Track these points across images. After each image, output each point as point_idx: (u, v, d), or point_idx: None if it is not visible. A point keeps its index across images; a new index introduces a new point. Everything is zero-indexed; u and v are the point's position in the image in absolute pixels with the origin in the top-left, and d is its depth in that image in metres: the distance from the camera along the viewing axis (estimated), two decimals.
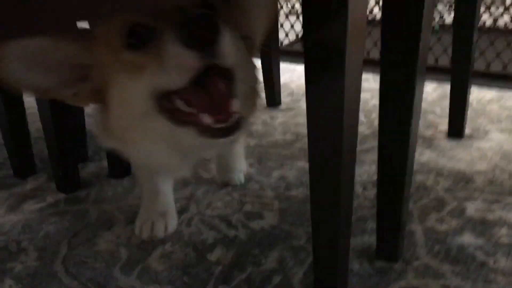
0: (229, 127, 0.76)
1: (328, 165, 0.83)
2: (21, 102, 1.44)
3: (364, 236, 1.13)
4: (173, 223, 1.19)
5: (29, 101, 1.48)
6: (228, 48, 0.71)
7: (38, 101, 1.32)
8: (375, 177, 1.39)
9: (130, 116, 0.83)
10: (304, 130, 1.81)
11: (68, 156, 1.38)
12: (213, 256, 1.08)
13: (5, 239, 1.16)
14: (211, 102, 0.78)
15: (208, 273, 1.02)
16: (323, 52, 0.74)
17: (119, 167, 1.46)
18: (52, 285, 0.99)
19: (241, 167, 1.42)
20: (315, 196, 0.88)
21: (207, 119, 0.77)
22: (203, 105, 0.78)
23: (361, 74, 0.82)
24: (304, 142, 1.70)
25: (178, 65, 0.72)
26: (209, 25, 0.69)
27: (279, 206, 1.29)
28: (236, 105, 0.78)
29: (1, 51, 0.76)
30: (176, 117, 0.81)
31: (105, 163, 1.53)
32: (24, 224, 1.22)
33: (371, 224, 1.17)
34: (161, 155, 0.90)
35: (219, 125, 0.76)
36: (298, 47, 3.02)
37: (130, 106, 0.81)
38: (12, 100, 1.41)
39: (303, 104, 2.11)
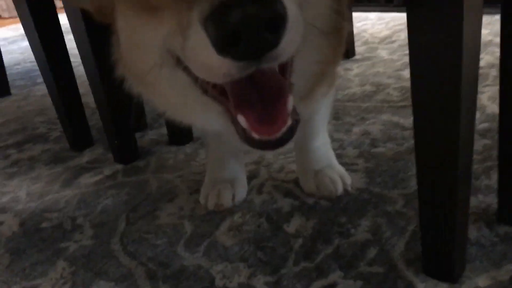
0: (278, 139, 0.55)
1: (443, 110, 0.61)
2: (71, 72, 1.32)
3: (478, 196, 0.90)
4: (242, 191, 1.02)
5: (81, 70, 1.36)
6: (292, 39, 0.47)
7: (87, 69, 1.19)
8: (486, 125, 1.15)
9: (140, 61, 0.63)
10: (385, 80, 1.58)
11: (124, 125, 1.25)
12: (290, 227, 0.90)
13: (59, 216, 1.04)
14: (257, 111, 0.55)
15: (286, 248, 0.85)
16: None
17: (180, 133, 1.31)
18: (109, 265, 0.86)
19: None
20: (424, 146, 0.67)
21: (249, 131, 0.56)
22: (245, 108, 0.56)
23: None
24: (386, 93, 1.47)
25: (207, 66, 0.48)
26: (268, 22, 0.43)
27: (364, 165, 1.08)
28: (290, 105, 0.56)
29: None
30: (206, 90, 0.60)
31: (164, 130, 1.39)
32: (79, 199, 1.10)
33: (485, 181, 0.94)
34: (189, 108, 0.69)
35: (265, 138, 0.55)
36: None
37: (141, 51, 0.62)
38: (61, 70, 1.30)
39: (380, 53, 1.86)
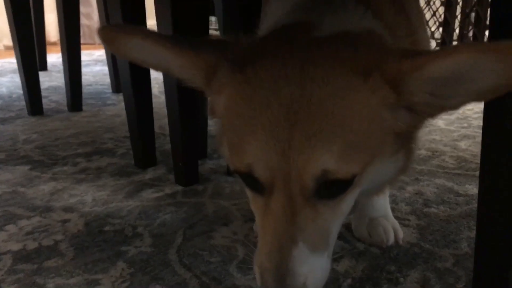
0: None
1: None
2: (150, 103, 1.44)
3: None
4: None
5: (155, 102, 1.47)
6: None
7: (168, 100, 1.31)
8: None
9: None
10: (441, 147, 1.61)
11: (190, 150, 1.34)
12: (340, 267, 0.94)
13: (121, 223, 1.11)
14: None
15: (336, 284, 0.88)
16: None
17: None
18: (165, 273, 0.92)
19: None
20: (486, 213, 0.71)
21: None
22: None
23: None
24: (442, 159, 1.50)
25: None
26: None
27: (416, 222, 1.11)
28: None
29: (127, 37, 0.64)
30: None
31: (223, 161, 1.46)
32: (141, 211, 1.18)
33: None
34: None
35: None
36: None
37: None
38: (142, 101, 1.42)
39: (437, 122, 1.90)
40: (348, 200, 0.62)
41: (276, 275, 0.55)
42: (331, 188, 0.57)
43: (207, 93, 0.67)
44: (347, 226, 1.08)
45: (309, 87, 0.55)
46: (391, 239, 1.01)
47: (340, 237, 1.04)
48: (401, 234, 1.03)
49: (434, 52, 0.55)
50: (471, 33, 2.83)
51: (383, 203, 1.06)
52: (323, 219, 0.58)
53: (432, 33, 3.18)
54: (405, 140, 0.64)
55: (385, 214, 1.05)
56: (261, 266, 0.58)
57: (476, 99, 0.57)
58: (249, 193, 0.64)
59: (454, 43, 2.91)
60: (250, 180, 0.59)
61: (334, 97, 0.55)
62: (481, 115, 2.07)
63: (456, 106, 0.59)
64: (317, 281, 0.58)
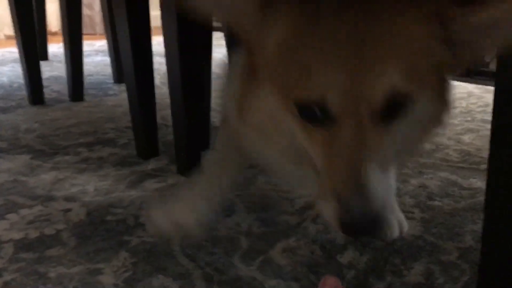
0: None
1: None
2: (153, 93, 1.43)
3: None
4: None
5: (157, 93, 1.46)
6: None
7: (171, 90, 1.30)
8: None
9: (268, 122, 0.68)
10: (445, 141, 1.60)
11: (193, 141, 1.33)
12: (343, 259, 0.93)
13: (123, 213, 1.11)
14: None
15: (339, 276, 0.87)
16: None
17: None
18: (168, 263, 0.91)
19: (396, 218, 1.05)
20: (494, 207, 0.70)
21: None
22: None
23: None
24: (446, 153, 1.49)
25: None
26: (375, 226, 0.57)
27: (420, 215, 1.10)
28: None
29: None
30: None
31: None
32: (143, 201, 1.17)
33: None
34: (286, 169, 0.77)
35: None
36: None
37: (268, 116, 0.67)
38: (145, 91, 1.41)
39: None
40: (404, 126, 0.62)
41: (357, 190, 0.56)
42: (394, 109, 0.59)
43: (255, 27, 0.64)
44: None
45: (372, 14, 0.59)
46: (395, 234, 1.00)
47: None
48: (405, 227, 1.02)
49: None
50: None
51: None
52: (388, 140, 0.60)
53: None
54: (444, 87, 0.67)
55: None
56: (338, 184, 0.57)
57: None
58: (302, 130, 0.63)
59: None
60: (313, 111, 0.59)
61: (396, 22, 0.59)
62: (485, 108, 2.07)
63: (490, 49, 0.65)
64: (390, 197, 0.60)
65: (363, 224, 0.55)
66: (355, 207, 0.55)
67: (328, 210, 0.59)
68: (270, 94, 0.64)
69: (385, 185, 0.58)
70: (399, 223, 1.01)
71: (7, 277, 0.86)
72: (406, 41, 0.59)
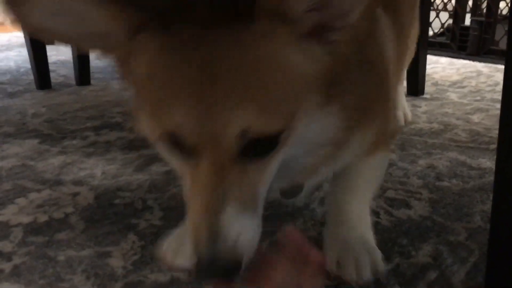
0: None
1: None
2: None
3: None
4: None
5: None
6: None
7: None
8: None
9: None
10: (454, 121, 1.59)
11: None
12: None
13: (131, 196, 1.11)
14: None
15: None
16: None
17: None
18: None
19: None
20: (503, 184, 0.69)
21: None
22: None
23: None
24: (454, 133, 1.48)
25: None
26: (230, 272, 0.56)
27: (428, 196, 1.09)
28: None
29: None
30: None
31: None
32: (150, 184, 1.17)
33: None
34: None
35: None
36: (442, 39, 2.76)
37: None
38: None
39: (450, 95, 1.88)
40: (276, 160, 0.60)
41: (208, 237, 0.54)
42: (257, 147, 0.56)
43: (120, 55, 0.61)
44: None
45: (219, 48, 0.55)
46: (366, 276, 0.76)
47: None
48: (381, 267, 0.78)
49: None
50: (484, 5, 2.76)
51: (360, 214, 0.85)
52: (250, 179, 0.57)
53: (445, 4, 3.11)
54: (336, 89, 0.62)
55: (362, 234, 0.82)
56: (193, 230, 0.56)
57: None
58: (174, 162, 0.62)
59: (468, 15, 2.85)
60: (175, 146, 0.58)
61: (241, 53, 0.54)
62: (494, 88, 2.05)
63: (348, 19, 0.57)
64: (248, 240, 0.57)
65: (215, 272, 0.55)
66: (206, 257, 0.54)
67: (188, 254, 0.59)
68: (147, 119, 0.60)
69: (245, 228, 0.57)
70: (372, 261, 0.78)
71: (16, 260, 0.87)
72: (256, 69, 0.55)
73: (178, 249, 0.83)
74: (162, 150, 0.64)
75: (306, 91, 0.59)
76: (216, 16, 0.56)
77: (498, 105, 1.11)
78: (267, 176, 0.61)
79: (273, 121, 0.55)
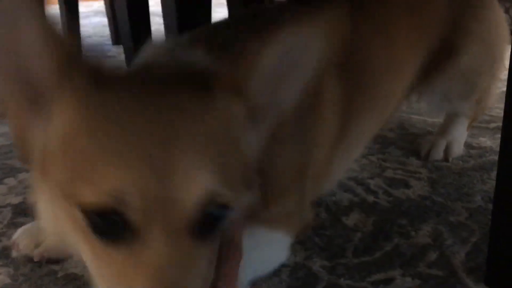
0: None
1: None
2: None
3: None
4: None
5: None
6: None
7: None
8: None
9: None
10: None
11: None
12: (349, 221, 0.91)
13: None
14: None
15: (345, 239, 0.85)
16: None
17: None
18: None
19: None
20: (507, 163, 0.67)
21: None
22: None
23: None
24: None
25: None
26: None
27: (428, 175, 1.07)
28: None
29: None
30: None
31: None
32: None
33: None
34: None
35: None
36: None
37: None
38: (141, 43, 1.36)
39: None
40: (218, 240, 0.52)
41: None
42: (211, 221, 0.47)
43: (49, 95, 0.49)
44: (356, 180, 1.05)
45: (165, 114, 0.47)
46: None
47: (350, 190, 1.01)
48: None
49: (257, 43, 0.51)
50: None
51: None
52: (207, 260, 0.48)
53: None
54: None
55: None
56: None
57: (304, 85, 0.54)
58: (90, 247, 0.47)
59: None
60: (107, 221, 0.44)
61: (202, 115, 0.49)
62: None
63: (288, 104, 0.55)
64: None
65: None
66: None
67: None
68: (52, 198, 0.50)
69: None
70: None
71: (5, 242, 0.85)
72: (209, 137, 0.48)
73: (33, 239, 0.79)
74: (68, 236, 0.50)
75: (245, 169, 0.53)
76: (174, 79, 0.53)
77: (499, 84, 1.08)
78: (213, 261, 0.51)
79: (230, 189, 0.47)
